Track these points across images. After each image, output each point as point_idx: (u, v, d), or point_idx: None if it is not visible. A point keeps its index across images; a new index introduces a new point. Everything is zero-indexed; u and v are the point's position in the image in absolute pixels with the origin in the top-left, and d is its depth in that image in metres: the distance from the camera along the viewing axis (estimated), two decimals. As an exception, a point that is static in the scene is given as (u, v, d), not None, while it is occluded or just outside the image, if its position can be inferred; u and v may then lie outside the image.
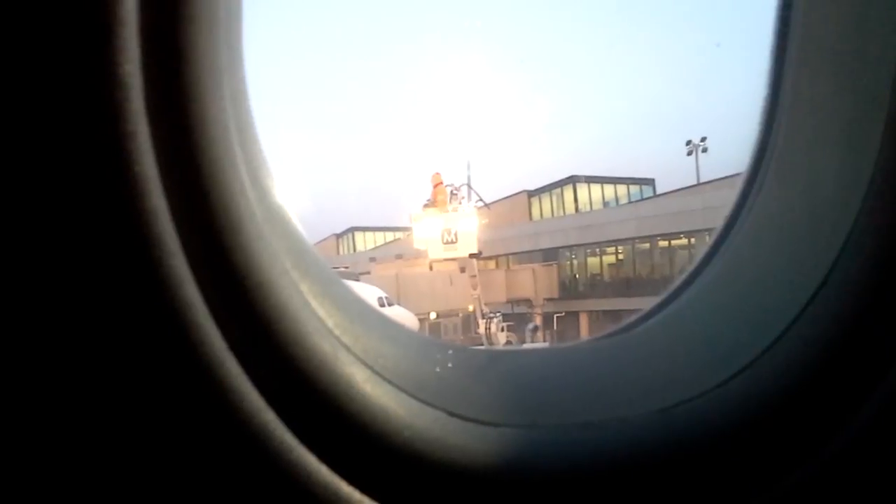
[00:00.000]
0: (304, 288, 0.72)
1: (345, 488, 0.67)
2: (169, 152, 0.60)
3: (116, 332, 0.60)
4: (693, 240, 30.54)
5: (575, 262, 37.87)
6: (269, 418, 0.65)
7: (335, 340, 0.72)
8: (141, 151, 0.58)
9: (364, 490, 0.68)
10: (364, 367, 0.73)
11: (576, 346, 1.17)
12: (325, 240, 53.15)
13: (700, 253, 1.10)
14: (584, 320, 34.18)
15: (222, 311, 0.64)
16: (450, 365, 0.88)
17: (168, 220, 0.60)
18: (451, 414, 0.76)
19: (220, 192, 0.63)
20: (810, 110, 0.92)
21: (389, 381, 0.75)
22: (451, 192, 29.55)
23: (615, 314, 28.23)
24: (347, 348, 0.73)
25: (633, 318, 1.07)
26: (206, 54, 0.62)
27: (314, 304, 0.72)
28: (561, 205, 42.04)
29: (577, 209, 40.56)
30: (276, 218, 0.73)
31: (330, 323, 0.73)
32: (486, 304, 28.12)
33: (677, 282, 1.08)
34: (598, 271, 37.41)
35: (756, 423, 0.77)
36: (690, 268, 1.09)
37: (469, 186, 30.15)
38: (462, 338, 28.83)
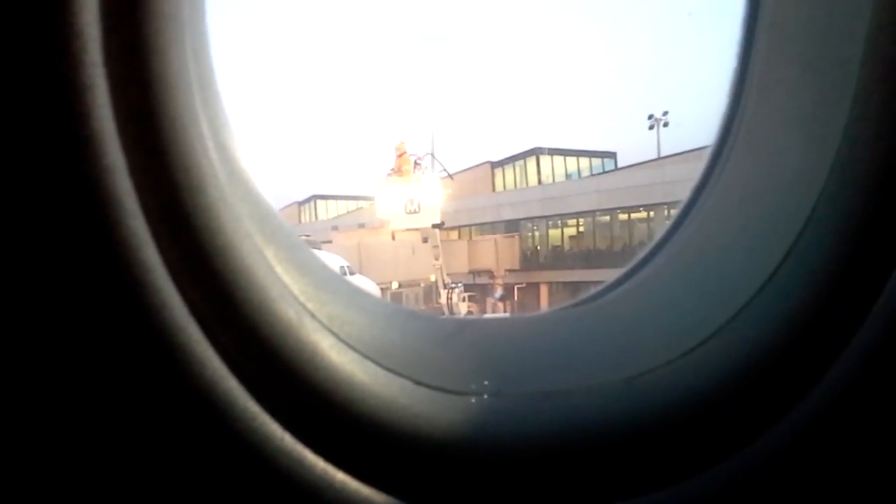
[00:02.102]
0: (269, 253, 0.69)
1: (309, 456, 0.66)
2: (127, 107, 0.58)
3: (71, 295, 0.59)
4: (652, 213, 31.09)
5: (536, 233, 38.21)
6: (231, 385, 0.63)
7: (300, 307, 0.70)
8: (98, 105, 0.56)
9: (328, 458, 0.67)
10: (329, 335, 0.71)
11: (542, 316, 1.17)
12: (286, 207, 52.41)
13: (666, 224, 1.10)
14: (544, 291, 34.58)
15: (183, 274, 0.61)
16: (416, 333, 0.87)
17: (126, 178, 0.58)
18: (417, 382, 0.76)
19: (180, 151, 0.60)
20: (778, 87, 0.92)
21: (355, 349, 0.73)
22: (415, 161, 29.33)
23: (575, 285, 28.64)
24: (312, 315, 0.71)
25: (599, 287, 1.07)
26: (168, 5, 0.59)
27: (279, 269, 0.70)
28: (524, 176, 42.20)
29: (539, 181, 40.76)
30: (240, 181, 0.71)
31: (295, 289, 0.71)
32: (448, 275, 28.18)
33: (643, 252, 1.08)
34: (559, 243, 37.83)
35: (721, 392, 0.78)
36: (656, 238, 1.09)
37: (433, 156, 30.02)
38: (424, 308, 28.89)
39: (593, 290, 1.08)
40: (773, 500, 0.75)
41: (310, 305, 0.72)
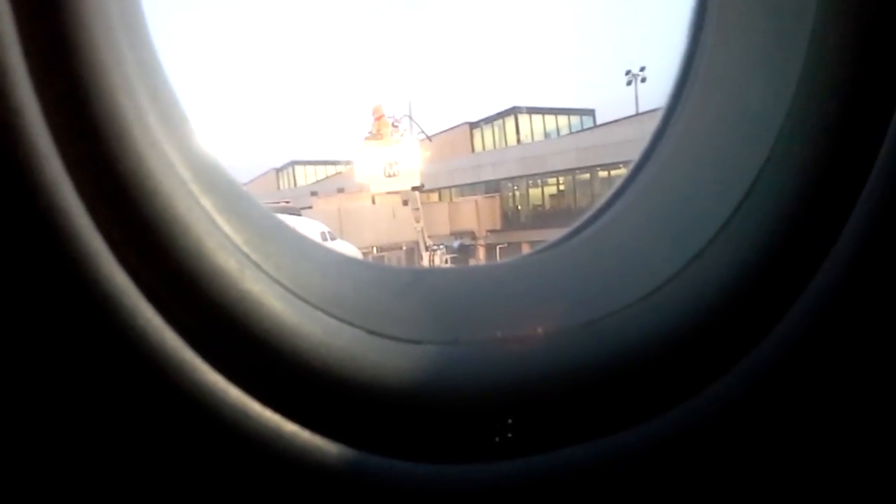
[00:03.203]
0: (207, 202, 0.67)
1: (255, 407, 0.65)
2: (36, 38, 0.54)
3: None
4: (632, 170, 31.01)
5: (517, 193, 38.20)
6: (166, 336, 0.61)
7: (243, 257, 0.68)
8: (4, 42, 0.52)
9: (276, 409, 0.66)
10: (275, 285, 0.70)
11: (501, 264, 1.17)
12: (264, 174, 51.89)
13: (627, 169, 1.09)
14: (526, 250, 34.57)
15: (107, 222, 0.58)
16: (371, 284, 0.85)
17: (39, 118, 0.55)
18: (371, 332, 0.74)
19: (99, 92, 0.57)
20: (735, 30, 0.91)
21: (304, 300, 0.72)
22: (393, 124, 29.03)
23: (556, 244, 28.69)
24: (257, 265, 0.69)
25: (561, 235, 1.07)
26: None
27: (219, 219, 0.68)
28: (503, 136, 42.00)
29: (518, 141, 40.60)
30: (173, 126, 0.67)
31: (237, 239, 0.69)
32: (429, 237, 28.19)
33: (604, 197, 1.07)
34: (540, 202, 37.88)
35: (680, 334, 0.78)
36: (617, 184, 1.08)
37: (410, 118, 29.73)
38: (406, 270, 28.82)
39: (555, 238, 1.07)
40: (732, 442, 0.76)
41: (254, 256, 0.70)
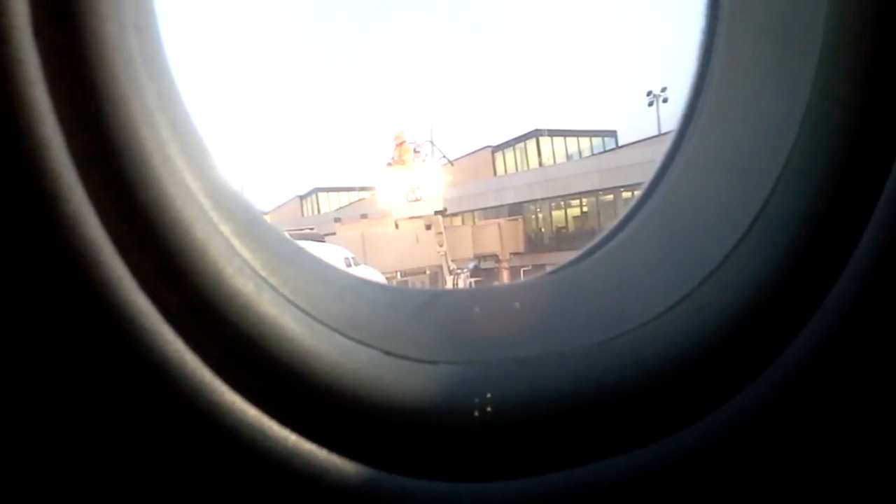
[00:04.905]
0: (226, 228, 0.69)
1: (274, 427, 0.66)
2: (62, 81, 0.57)
3: (14, 275, 0.58)
4: (655, 190, 30.72)
5: (540, 215, 38.02)
6: (187, 359, 0.63)
7: (261, 281, 0.70)
8: (29, 80, 0.55)
9: (294, 429, 0.67)
10: (293, 308, 0.71)
11: (516, 285, 1.17)
12: (289, 202, 52.42)
13: (642, 188, 1.10)
14: (550, 273, 34.36)
15: (130, 249, 0.60)
16: (386, 305, 0.86)
17: (64, 152, 0.57)
18: (387, 353, 0.76)
19: (121, 125, 0.59)
20: (746, 45, 0.92)
21: (320, 321, 0.73)
22: (414, 149, 29.21)
23: (580, 266, 28.43)
24: (274, 289, 0.71)
25: (576, 254, 1.07)
26: None
27: (237, 244, 0.70)
28: (525, 159, 41.99)
29: (540, 163, 40.57)
30: (193, 156, 0.70)
31: (256, 264, 0.71)
32: (453, 261, 28.16)
33: (620, 217, 1.08)
34: (564, 224, 37.65)
35: (694, 353, 0.77)
36: (630, 205, 1.09)
37: (432, 143, 29.89)
38: (430, 295, 28.70)
39: (570, 258, 1.08)
40: (746, 462, 0.75)
41: (272, 280, 0.72)
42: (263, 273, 0.71)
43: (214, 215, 0.68)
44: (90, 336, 0.60)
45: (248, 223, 0.74)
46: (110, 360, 0.61)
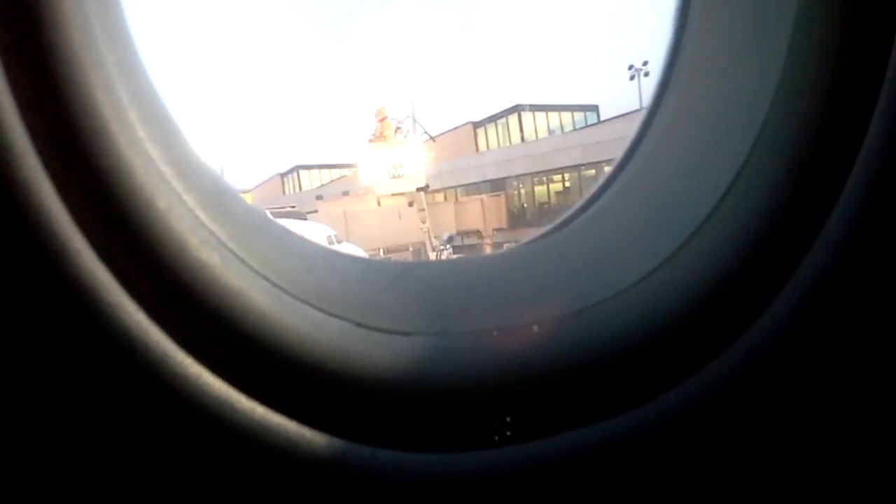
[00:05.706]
0: (190, 198, 0.67)
1: (242, 401, 0.65)
2: (11, 37, 0.55)
3: None
4: (637, 164, 30.84)
5: (522, 191, 38.10)
6: (150, 332, 0.61)
7: (227, 252, 0.68)
8: None
9: (263, 402, 0.66)
10: (261, 279, 0.70)
11: (491, 256, 1.17)
12: (270, 180, 52.00)
13: (616, 158, 1.09)
14: (533, 248, 34.47)
15: (87, 218, 0.58)
16: (358, 277, 0.85)
17: (16, 117, 0.55)
18: (359, 324, 0.75)
19: (77, 90, 0.57)
20: (721, 12, 0.91)
21: (290, 293, 0.72)
22: (396, 126, 29.04)
23: (563, 240, 28.59)
24: (242, 260, 0.70)
25: (551, 225, 1.07)
26: None
27: (202, 215, 0.68)
28: (507, 135, 41.94)
29: (522, 138, 40.53)
30: (155, 124, 0.68)
31: (222, 235, 0.69)
32: (435, 237, 28.15)
33: (595, 187, 1.07)
34: (546, 199, 37.76)
35: (671, 320, 0.78)
36: (606, 175, 1.08)
37: (414, 119, 29.76)
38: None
39: (545, 229, 1.07)
40: (722, 427, 0.76)
41: (239, 251, 0.70)
42: (230, 244, 0.70)
43: (178, 185, 0.66)
44: (47, 309, 0.58)
45: (214, 193, 0.73)
46: (68, 334, 0.59)
